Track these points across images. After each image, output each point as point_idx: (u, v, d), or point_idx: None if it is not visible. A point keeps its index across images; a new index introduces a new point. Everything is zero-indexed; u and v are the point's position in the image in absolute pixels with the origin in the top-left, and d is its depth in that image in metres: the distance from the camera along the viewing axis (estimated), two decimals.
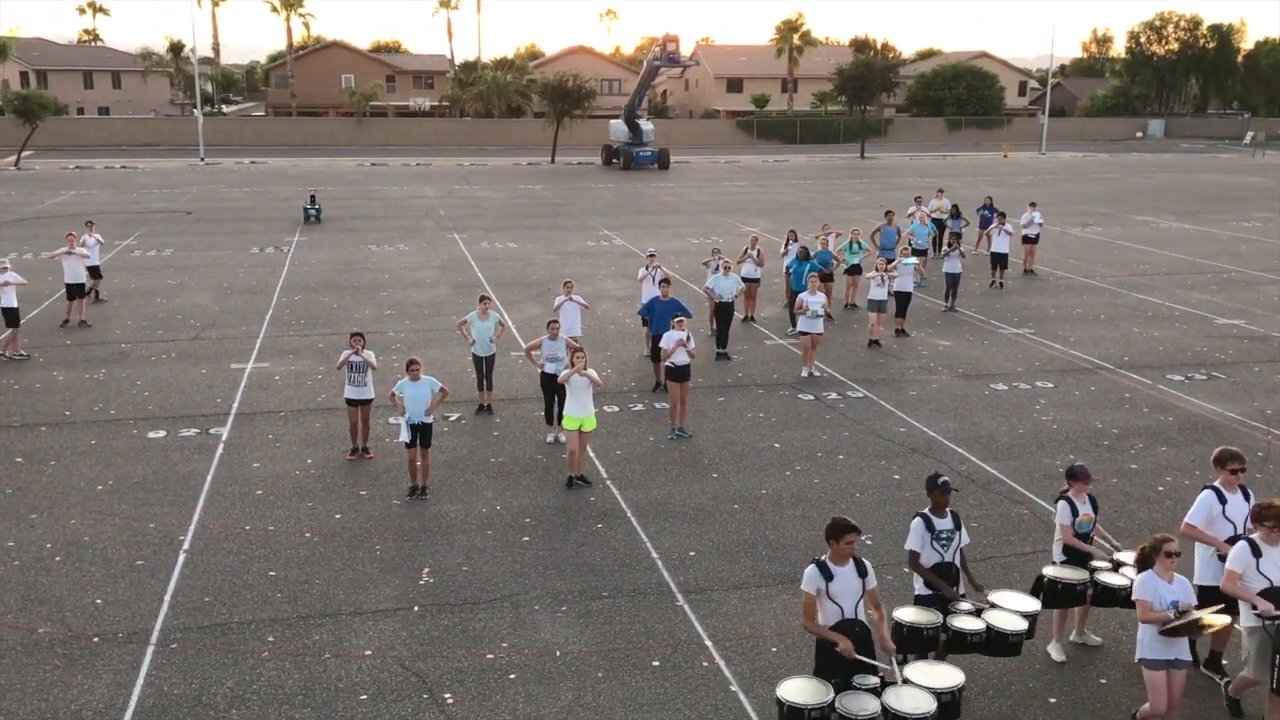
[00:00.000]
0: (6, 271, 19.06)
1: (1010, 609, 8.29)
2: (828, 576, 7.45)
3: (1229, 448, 8.84)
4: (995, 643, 8.07)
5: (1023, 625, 8.15)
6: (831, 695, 7.10)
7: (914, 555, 8.35)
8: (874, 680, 7.25)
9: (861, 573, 7.54)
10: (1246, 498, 8.64)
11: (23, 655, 9.21)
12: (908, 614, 8.18)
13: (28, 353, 19.13)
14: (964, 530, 8.52)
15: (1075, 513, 9.04)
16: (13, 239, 32.84)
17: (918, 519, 8.39)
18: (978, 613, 8.20)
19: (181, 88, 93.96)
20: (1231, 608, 8.09)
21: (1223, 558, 8.23)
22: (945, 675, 7.36)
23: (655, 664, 9.14)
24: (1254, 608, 7.84)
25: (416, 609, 10.05)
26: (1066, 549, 9.05)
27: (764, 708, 8.45)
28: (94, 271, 23.18)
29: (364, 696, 8.65)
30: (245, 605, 10.09)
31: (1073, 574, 8.77)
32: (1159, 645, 7.71)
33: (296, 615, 9.91)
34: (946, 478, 8.39)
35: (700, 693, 8.73)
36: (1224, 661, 8.93)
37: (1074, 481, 9.09)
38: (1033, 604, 8.50)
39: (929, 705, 7.03)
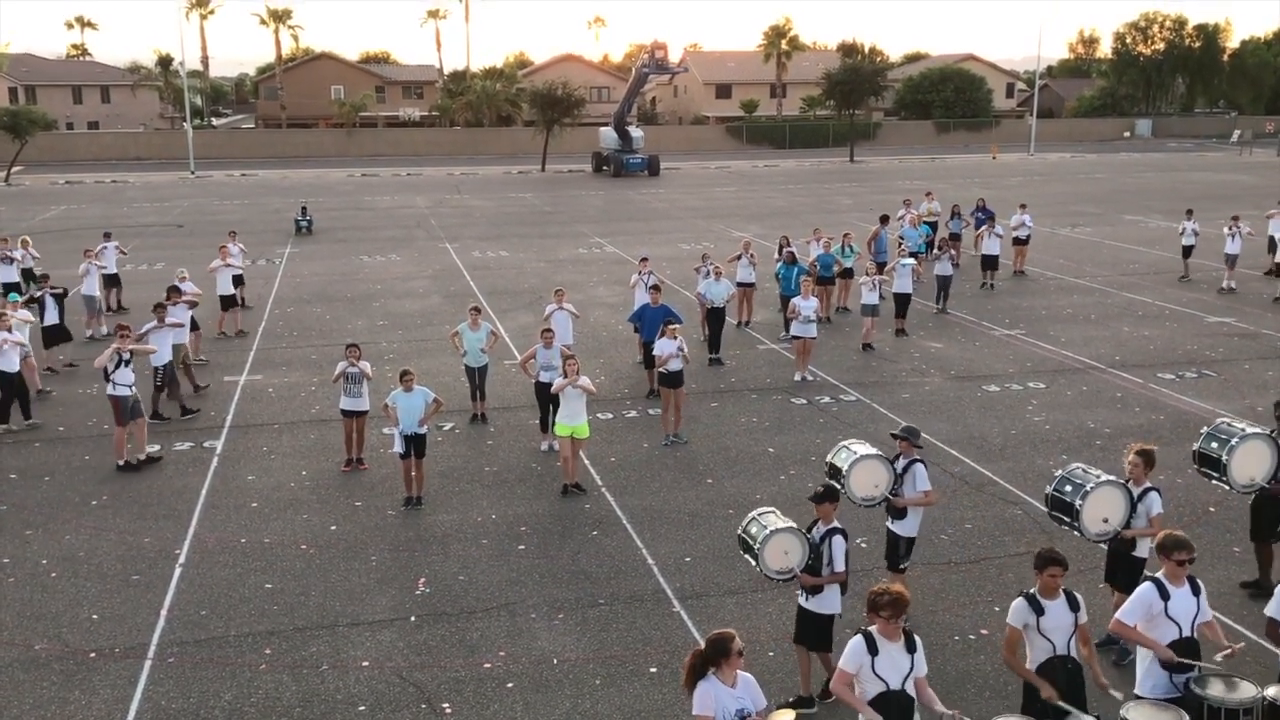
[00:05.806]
0: (185, 281, 19.03)
1: None
2: (1038, 611, 6.98)
3: (1175, 533, 7.34)
4: None
5: None
6: None
7: None
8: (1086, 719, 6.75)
9: (1074, 607, 7.08)
10: (1195, 592, 7.19)
11: (20, 672, 9.21)
12: None
13: (206, 357, 19.53)
14: None
15: None
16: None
17: None
18: None
19: (170, 101, 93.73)
20: None
21: (1165, 665, 7.00)
22: None
23: (653, 670, 9.16)
24: None
25: (413, 619, 10.07)
26: None
27: None
28: (238, 280, 22.96)
29: (362, 708, 8.66)
30: (242, 618, 10.09)
31: None
32: None
33: (293, 627, 9.92)
34: None
35: None
36: None
37: None
38: None
39: None
